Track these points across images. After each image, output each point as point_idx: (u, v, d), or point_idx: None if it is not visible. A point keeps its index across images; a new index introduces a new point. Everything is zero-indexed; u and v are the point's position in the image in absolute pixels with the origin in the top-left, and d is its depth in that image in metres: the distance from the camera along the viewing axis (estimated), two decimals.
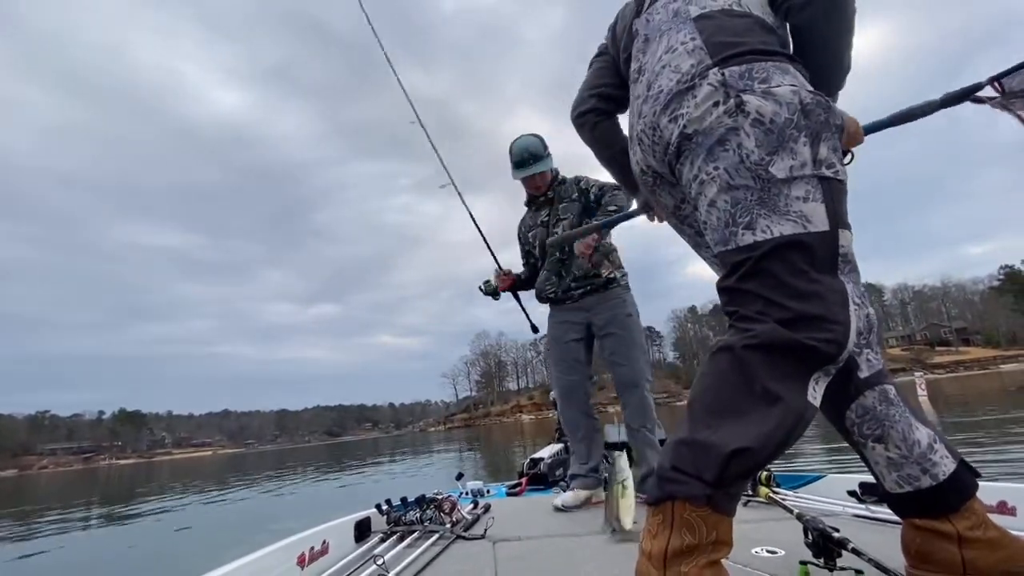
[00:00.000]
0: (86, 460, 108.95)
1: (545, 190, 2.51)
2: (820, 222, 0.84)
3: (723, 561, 0.85)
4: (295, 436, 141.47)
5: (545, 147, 2.50)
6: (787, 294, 0.83)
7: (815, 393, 0.83)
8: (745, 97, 0.87)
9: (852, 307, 0.84)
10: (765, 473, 2.02)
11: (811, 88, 0.89)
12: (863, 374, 0.95)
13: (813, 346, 0.80)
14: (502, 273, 2.59)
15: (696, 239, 1.18)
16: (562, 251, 2.40)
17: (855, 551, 1.02)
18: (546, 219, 2.50)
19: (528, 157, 2.44)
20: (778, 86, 0.87)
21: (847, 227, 0.87)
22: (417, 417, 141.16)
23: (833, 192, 0.86)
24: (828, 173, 0.86)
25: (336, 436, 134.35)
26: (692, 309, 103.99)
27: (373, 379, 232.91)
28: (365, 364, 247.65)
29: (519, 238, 2.69)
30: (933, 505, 0.92)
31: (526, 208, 2.65)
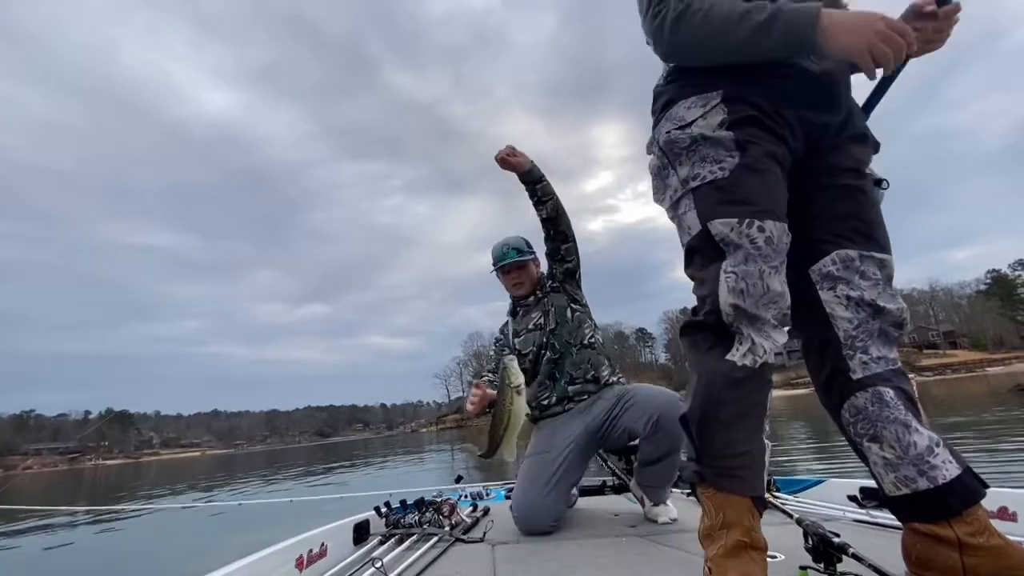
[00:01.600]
0: (72, 460, 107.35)
1: (532, 289, 2.22)
2: (695, 225, 1.02)
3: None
4: (285, 436, 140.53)
5: (529, 246, 2.26)
6: (694, 287, 1.06)
7: (738, 353, 0.97)
8: (649, 159, 1.16)
9: (723, 277, 0.97)
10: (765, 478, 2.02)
11: (675, 124, 1.06)
12: (855, 375, 0.98)
13: (700, 320, 1.02)
14: (476, 383, 1.97)
15: None
16: (552, 350, 2.09)
17: (855, 556, 1.02)
18: (541, 322, 2.15)
19: (508, 251, 2.21)
20: (658, 139, 1.11)
21: (724, 215, 0.98)
22: (409, 418, 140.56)
23: (703, 196, 1.02)
24: (695, 184, 1.03)
25: (327, 437, 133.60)
26: (684, 311, 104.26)
27: (364, 379, 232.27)
28: (356, 364, 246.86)
29: (501, 348, 2.27)
30: (932, 509, 0.92)
31: (509, 318, 2.31)
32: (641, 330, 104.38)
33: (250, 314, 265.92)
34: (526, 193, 2.11)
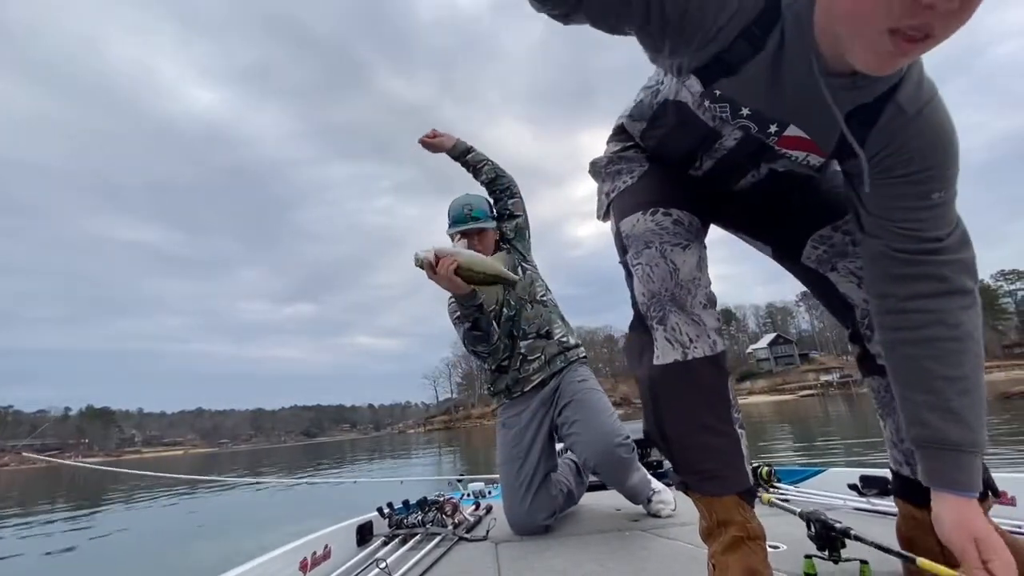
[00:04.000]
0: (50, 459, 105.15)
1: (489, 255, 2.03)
2: (613, 228, 1.09)
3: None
4: (271, 436, 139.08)
5: (491, 208, 2.14)
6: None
7: (661, 350, 0.97)
8: None
9: (634, 274, 1.00)
10: (766, 468, 2.04)
11: (607, 151, 1.17)
12: (879, 360, 0.98)
13: (631, 325, 1.06)
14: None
15: None
16: (508, 306, 2.02)
17: (857, 538, 1.02)
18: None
19: (468, 213, 2.06)
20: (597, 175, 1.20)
21: (634, 210, 1.02)
22: (397, 419, 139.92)
23: (618, 203, 1.08)
24: (611, 196, 1.11)
25: (313, 437, 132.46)
26: None
27: (352, 379, 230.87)
28: (343, 364, 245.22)
29: (453, 323, 2.05)
30: (913, 494, 0.95)
31: None
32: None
33: (236, 312, 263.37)
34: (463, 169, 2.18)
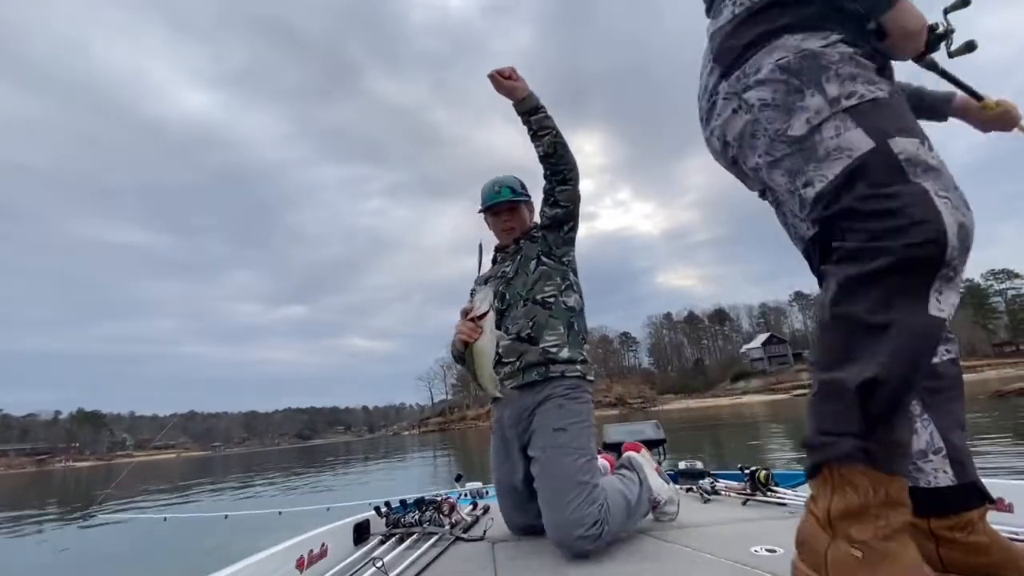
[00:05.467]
0: (40, 462, 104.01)
1: (520, 237, 1.94)
2: (863, 143, 0.83)
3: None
4: (264, 439, 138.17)
5: (524, 187, 2.01)
6: (863, 220, 0.80)
7: (940, 304, 0.78)
8: (746, 95, 0.96)
9: (939, 201, 0.78)
10: (763, 471, 2.06)
11: (798, 44, 0.91)
12: None
13: (907, 256, 0.76)
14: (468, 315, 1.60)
15: (784, 220, 1.14)
16: (502, 300, 1.85)
17: None
18: (507, 270, 1.89)
19: (501, 190, 1.95)
20: (760, 70, 0.94)
21: (904, 133, 0.83)
22: (391, 420, 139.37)
23: (866, 113, 0.85)
24: (850, 103, 0.86)
25: (307, 439, 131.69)
26: (668, 316, 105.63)
27: (346, 381, 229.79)
28: (337, 366, 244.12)
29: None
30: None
31: (491, 265, 2.04)
32: (625, 334, 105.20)
33: (228, 314, 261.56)
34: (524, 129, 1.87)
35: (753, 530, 1.59)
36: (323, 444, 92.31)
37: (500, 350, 1.74)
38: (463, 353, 1.57)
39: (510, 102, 1.83)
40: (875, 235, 0.79)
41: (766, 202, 1.24)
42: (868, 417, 0.78)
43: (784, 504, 1.86)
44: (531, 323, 1.77)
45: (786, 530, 1.51)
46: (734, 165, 1.12)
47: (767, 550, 1.35)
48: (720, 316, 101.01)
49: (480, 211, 2.00)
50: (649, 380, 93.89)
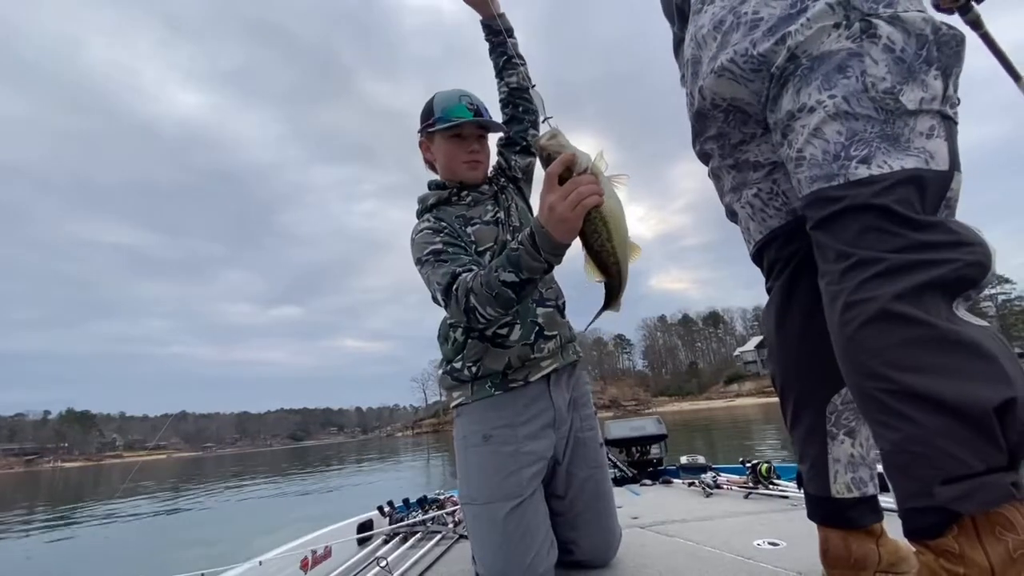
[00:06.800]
0: (28, 463, 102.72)
1: (486, 178, 1.48)
2: (942, 161, 0.75)
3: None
4: (257, 440, 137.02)
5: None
6: (911, 228, 0.73)
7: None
8: (877, 23, 0.77)
9: (984, 238, 0.75)
10: (765, 465, 2.06)
11: (941, 19, 0.80)
12: None
13: (960, 276, 0.72)
14: None
15: (739, 180, 1.03)
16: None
17: None
18: (501, 216, 1.44)
19: (476, 106, 1.41)
20: (906, 11, 0.78)
21: (959, 171, 0.78)
22: (385, 422, 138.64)
23: (953, 134, 0.78)
24: (951, 112, 0.78)
25: (300, 440, 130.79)
26: (662, 318, 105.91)
27: (339, 382, 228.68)
28: (330, 367, 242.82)
29: (444, 244, 1.29)
30: (872, 513, 0.93)
31: (443, 206, 1.44)
32: (620, 336, 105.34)
33: (219, 315, 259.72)
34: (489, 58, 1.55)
35: (756, 523, 1.60)
36: (316, 445, 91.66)
37: (540, 318, 1.36)
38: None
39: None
40: (930, 246, 0.72)
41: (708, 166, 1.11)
42: (1010, 444, 0.66)
43: (786, 497, 1.87)
44: (557, 289, 1.45)
45: (788, 523, 1.54)
46: (756, 92, 0.90)
47: (770, 543, 1.37)
48: (714, 319, 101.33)
49: (429, 130, 1.42)
50: (643, 382, 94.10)
